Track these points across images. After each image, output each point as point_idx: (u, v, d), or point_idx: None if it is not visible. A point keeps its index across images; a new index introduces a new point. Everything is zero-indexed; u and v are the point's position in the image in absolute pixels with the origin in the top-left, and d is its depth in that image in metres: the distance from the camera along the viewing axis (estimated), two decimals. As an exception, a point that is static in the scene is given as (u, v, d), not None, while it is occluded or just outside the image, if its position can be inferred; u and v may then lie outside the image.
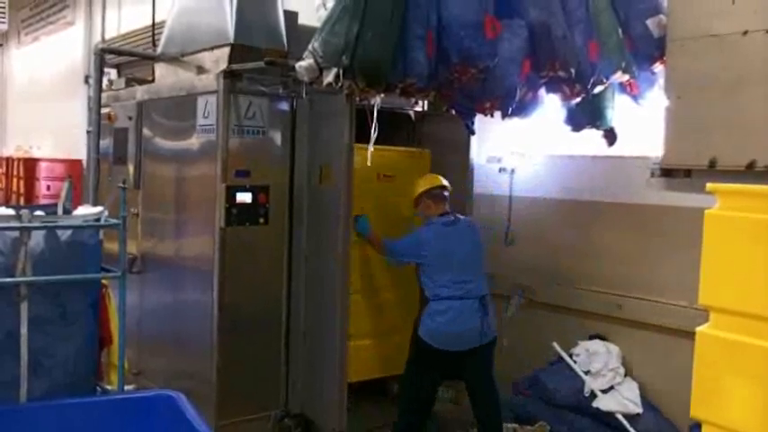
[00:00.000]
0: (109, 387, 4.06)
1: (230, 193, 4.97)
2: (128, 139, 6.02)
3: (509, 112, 4.89)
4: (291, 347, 5.28)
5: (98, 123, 6.06)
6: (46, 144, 13.06)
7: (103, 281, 4.01)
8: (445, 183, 5.41)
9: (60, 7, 12.78)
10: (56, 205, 4.04)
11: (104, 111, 6.21)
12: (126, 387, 4.13)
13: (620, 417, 5.19)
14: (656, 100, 5.20)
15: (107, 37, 10.87)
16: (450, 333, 5.00)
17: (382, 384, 6.07)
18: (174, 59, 5.91)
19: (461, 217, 5.40)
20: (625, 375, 5.43)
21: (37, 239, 3.60)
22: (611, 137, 5.48)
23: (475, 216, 6.09)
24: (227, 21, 5.33)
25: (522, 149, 6.30)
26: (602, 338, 5.63)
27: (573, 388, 5.44)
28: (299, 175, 5.24)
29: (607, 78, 4.93)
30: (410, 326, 5.35)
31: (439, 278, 5.06)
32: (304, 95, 5.14)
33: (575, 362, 5.55)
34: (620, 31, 4.97)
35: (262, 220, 5.12)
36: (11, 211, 3.70)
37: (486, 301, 5.11)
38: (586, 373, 5.44)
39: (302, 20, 5.70)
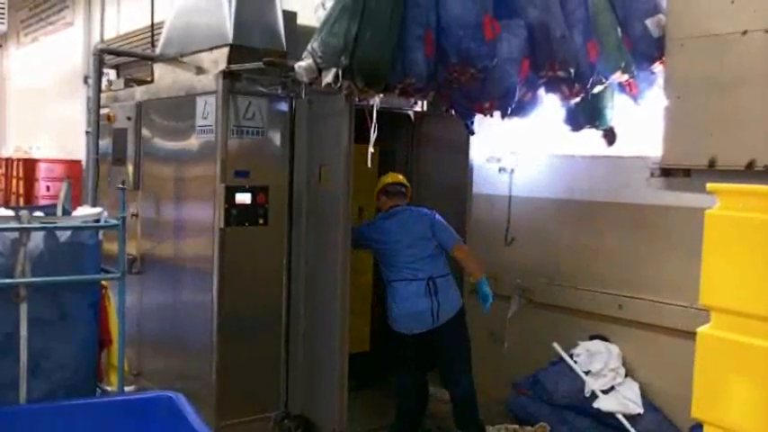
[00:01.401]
0: (109, 388, 4.07)
1: (229, 193, 4.97)
2: (127, 139, 6.02)
3: (508, 112, 4.89)
4: (291, 348, 5.27)
5: (97, 124, 6.05)
6: (45, 145, 13.05)
7: (103, 282, 4.01)
8: (401, 179, 5.69)
9: (59, 8, 12.78)
10: (55, 206, 4.04)
11: (103, 111, 6.20)
12: (126, 388, 4.13)
13: (620, 417, 5.19)
14: (655, 100, 5.21)
15: (106, 37, 10.87)
16: (405, 314, 5.27)
17: (382, 384, 6.08)
18: (172, 60, 5.90)
19: (413, 208, 5.61)
20: (626, 375, 5.42)
21: (36, 240, 3.60)
22: (610, 137, 5.49)
23: (474, 216, 6.10)
24: (226, 21, 5.32)
25: (521, 149, 6.30)
26: (603, 339, 5.62)
27: (573, 388, 5.44)
28: (299, 176, 5.23)
29: (606, 78, 4.94)
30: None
31: (389, 264, 5.37)
32: (303, 96, 5.14)
33: (575, 362, 5.54)
34: (619, 30, 4.98)
35: (261, 221, 5.11)
36: (10, 212, 3.70)
37: (437, 283, 5.28)
38: (587, 373, 5.44)
39: (301, 20, 5.69)
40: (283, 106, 5.27)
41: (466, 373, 5.37)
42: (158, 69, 6.19)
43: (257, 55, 5.03)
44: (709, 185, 2.72)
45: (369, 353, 6.39)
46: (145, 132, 5.90)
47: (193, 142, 5.30)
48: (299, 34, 5.36)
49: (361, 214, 6.09)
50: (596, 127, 5.40)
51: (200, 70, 5.53)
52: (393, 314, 5.33)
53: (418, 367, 5.46)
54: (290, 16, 5.61)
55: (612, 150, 5.56)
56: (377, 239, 5.45)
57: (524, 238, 6.28)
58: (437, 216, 5.49)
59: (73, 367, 3.75)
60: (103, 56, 6.40)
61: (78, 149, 9.89)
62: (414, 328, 5.28)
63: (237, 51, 5.22)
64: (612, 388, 5.34)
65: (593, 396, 5.33)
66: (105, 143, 6.25)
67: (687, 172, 4.96)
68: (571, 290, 5.88)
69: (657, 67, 5.15)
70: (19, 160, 12.43)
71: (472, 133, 5.65)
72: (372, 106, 4.80)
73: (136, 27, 9.15)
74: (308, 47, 4.31)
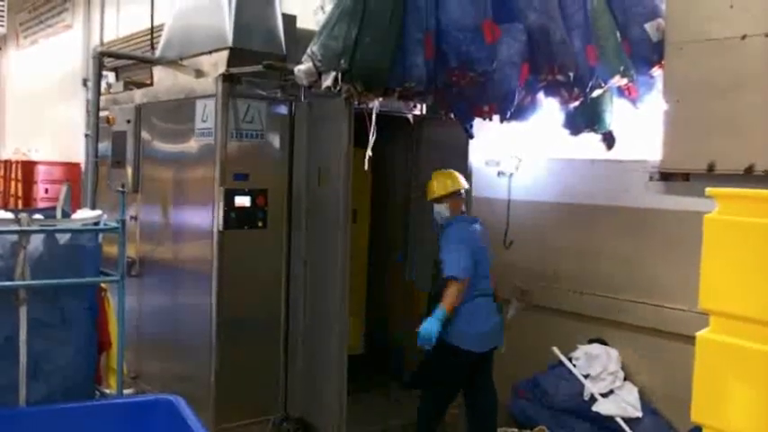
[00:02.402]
0: (108, 391, 4.06)
1: (229, 196, 4.97)
2: (126, 142, 6.02)
3: (507, 115, 4.88)
4: (290, 351, 5.27)
5: (96, 127, 6.07)
6: (44, 147, 13.06)
7: (102, 284, 4.01)
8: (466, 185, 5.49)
9: (59, 10, 12.79)
10: (54, 208, 4.04)
11: (103, 114, 6.21)
12: (125, 391, 4.12)
13: (619, 421, 5.18)
14: (654, 104, 5.21)
15: (105, 40, 10.89)
16: (482, 333, 5.10)
17: (383, 387, 6.08)
18: (172, 63, 5.91)
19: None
20: (624, 379, 5.42)
21: (36, 243, 3.60)
22: (609, 140, 5.49)
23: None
24: (226, 24, 5.33)
25: (520, 153, 6.30)
26: (602, 342, 5.62)
27: (573, 392, 5.44)
28: (298, 179, 5.24)
29: (605, 82, 4.94)
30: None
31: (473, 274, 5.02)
32: (303, 99, 5.14)
33: (574, 366, 5.54)
34: (618, 34, 4.99)
35: (260, 224, 5.12)
36: (9, 215, 3.70)
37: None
38: (586, 376, 5.44)
39: (301, 23, 5.70)
40: (283, 109, 5.28)
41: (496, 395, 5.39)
42: (158, 72, 6.20)
43: (257, 58, 5.04)
44: (708, 190, 2.73)
45: (363, 355, 6.39)
46: (144, 135, 5.91)
47: (193, 145, 5.30)
48: (298, 37, 5.38)
49: (355, 218, 6.08)
50: (595, 131, 5.41)
51: (199, 73, 5.55)
52: (468, 334, 5.02)
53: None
54: (289, 19, 5.63)
55: (612, 154, 5.56)
56: (473, 248, 5.08)
57: (523, 241, 6.28)
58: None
59: (72, 370, 3.75)
60: (103, 58, 6.43)
61: (77, 152, 9.93)
62: (484, 347, 5.15)
63: (237, 54, 5.23)
64: (612, 391, 5.34)
65: (593, 400, 5.33)
66: (104, 146, 6.26)
67: (686, 176, 4.96)
68: (570, 293, 5.88)
69: (656, 72, 5.15)
70: (18, 162, 12.43)
71: (471, 137, 5.66)
72: (372, 109, 4.80)
73: (135, 30, 9.17)
74: (308, 50, 4.31)
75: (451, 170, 5.40)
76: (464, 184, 5.37)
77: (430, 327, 4.82)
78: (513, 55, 4.53)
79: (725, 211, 2.67)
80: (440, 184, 5.30)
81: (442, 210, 5.27)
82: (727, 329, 2.61)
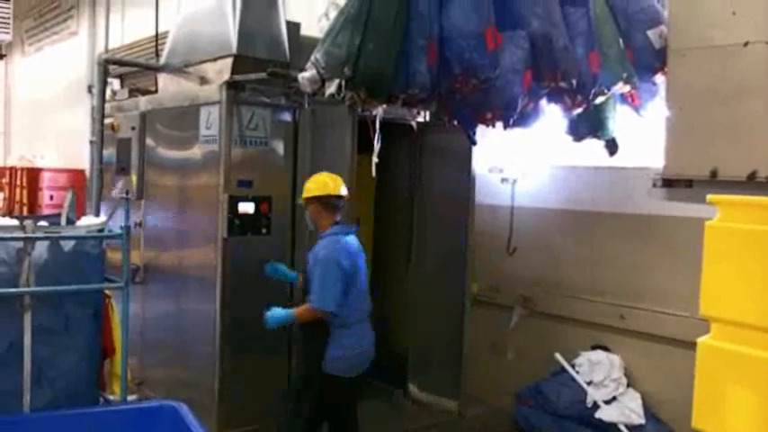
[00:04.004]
0: (111, 397, 4.08)
1: (233, 203, 4.99)
2: (131, 148, 6.04)
3: (510, 122, 4.89)
4: (294, 357, 5.27)
5: (101, 133, 6.08)
6: (49, 154, 13.07)
7: (106, 291, 4.02)
8: (344, 193, 4.63)
9: (64, 18, 12.82)
10: (59, 215, 4.06)
11: (107, 121, 6.23)
12: (128, 397, 4.13)
13: (622, 428, 5.18)
14: (657, 110, 5.22)
15: (110, 47, 10.90)
16: (356, 356, 4.51)
17: (384, 394, 6.08)
18: (176, 70, 5.93)
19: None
20: (627, 386, 5.42)
21: (40, 250, 3.63)
22: (612, 147, 5.49)
23: (477, 226, 6.10)
24: (230, 32, 5.35)
25: (523, 160, 6.31)
26: (605, 349, 5.62)
27: (576, 398, 5.44)
28: (302, 186, 5.24)
29: (608, 89, 4.95)
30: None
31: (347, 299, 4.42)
32: (306, 106, 5.16)
33: (577, 372, 5.54)
34: (621, 41, 4.99)
35: (264, 230, 5.13)
36: (14, 222, 3.72)
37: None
38: (589, 383, 5.44)
39: (304, 31, 5.72)
40: (287, 116, 5.30)
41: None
42: (162, 79, 6.22)
43: (261, 65, 5.05)
44: (709, 197, 2.74)
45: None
46: (149, 142, 5.93)
47: (197, 152, 5.32)
48: (302, 45, 5.39)
49: (358, 224, 6.09)
50: (598, 137, 5.41)
51: (203, 80, 5.56)
52: (341, 355, 4.43)
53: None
54: (293, 27, 5.64)
55: (614, 161, 5.57)
56: (346, 267, 4.41)
57: (526, 248, 6.28)
58: None
59: (76, 376, 3.77)
60: (108, 65, 6.44)
61: (82, 159, 9.94)
62: (358, 369, 4.56)
63: (241, 62, 5.25)
64: (614, 398, 5.34)
65: (596, 406, 5.32)
66: (109, 152, 6.28)
67: (689, 183, 4.97)
68: (573, 300, 5.88)
69: (659, 78, 5.16)
70: (23, 169, 12.44)
71: (474, 143, 5.66)
72: (375, 116, 4.81)
73: (140, 37, 9.17)
74: (312, 57, 4.32)
75: (336, 175, 4.65)
76: (343, 191, 4.57)
77: (279, 317, 4.43)
78: (516, 62, 4.54)
79: (726, 218, 2.68)
80: (317, 185, 4.57)
81: (311, 214, 4.58)
82: (727, 336, 2.62)
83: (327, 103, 4.74)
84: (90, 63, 11.32)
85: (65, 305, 3.72)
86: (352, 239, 4.56)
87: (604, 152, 5.54)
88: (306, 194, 4.56)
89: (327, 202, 4.51)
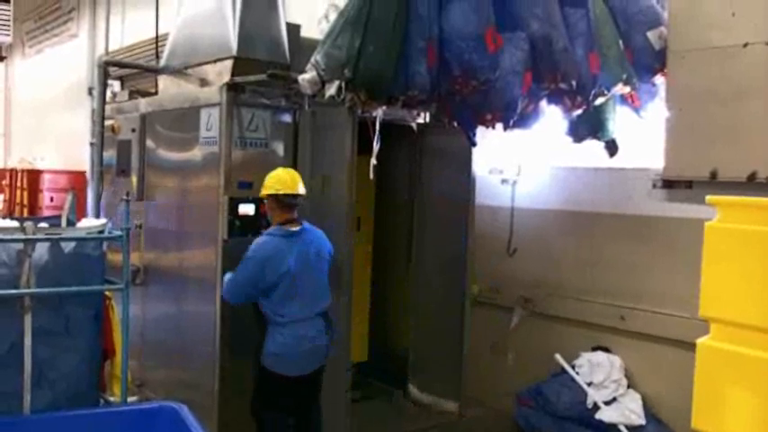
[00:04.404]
0: (112, 399, 4.07)
1: (233, 204, 5.00)
2: (131, 150, 6.05)
3: (510, 123, 4.90)
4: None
5: (101, 135, 6.09)
6: (49, 156, 13.09)
7: (107, 292, 4.02)
8: (302, 191, 4.65)
9: (64, 20, 12.84)
10: (59, 217, 4.06)
11: (108, 123, 6.24)
12: (129, 398, 4.13)
13: (622, 429, 5.18)
14: (657, 112, 5.22)
15: (110, 49, 10.92)
16: (298, 355, 4.55)
17: (385, 395, 6.08)
18: (177, 72, 5.93)
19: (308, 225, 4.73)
20: (628, 387, 5.42)
21: (41, 251, 3.63)
22: (612, 148, 5.49)
23: (477, 227, 6.10)
24: (230, 34, 5.36)
25: (523, 161, 6.32)
26: (605, 350, 5.63)
27: (576, 400, 5.44)
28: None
29: (608, 90, 4.95)
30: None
31: (286, 295, 4.50)
32: (306, 108, 5.16)
33: (577, 373, 5.55)
34: (620, 43, 5.00)
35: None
36: (15, 223, 3.72)
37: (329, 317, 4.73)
38: (589, 384, 5.44)
39: (304, 33, 5.73)
40: (287, 118, 5.30)
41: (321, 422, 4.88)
42: (162, 81, 6.23)
43: (261, 67, 5.06)
44: (708, 198, 2.74)
45: (365, 363, 6.40)
46: (149, 144, 5.93)
47: (197, 154, 5.32)
48: (302, 47, 5.40)
49: (358, 225, 6.10)
50: (598, 139, 5.41)
51: (204, 82, 5.57)
52: (280, 353, 4.52)
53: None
54: (293, 29, 5.65)
55: (614, 162, 5.57)
56: (277, 268, 4.46)
57: (527, 249, 6.29)
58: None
59: (76, 377, 3.77)
60: (108, 67, 6.45)
61: (82, 160, 9.94)
62: (302, 369, 4.61)
63: (241, 63, 5.26)
64: (615, 399, 5.35)
65: (596, 407, 5.33)
66: (109, 154, 6.29)
67: (689, 184, 4.97)
68: (573, 301, 5.88)
69: (659, 80, 5.17)
70: (23, 171, 12.46)
71: (474, 145, 5.66)
72: (375, 118, 4.82)
73: (140, 39, 9.19)
74: (312, 59, 4.33)
75: (295, 171, 4.74)
76: (300, 190, 4.60)
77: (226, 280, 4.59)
78: (516, 63, 4.55)
79: (725, 218, 2.68)
80: (272, 182, 4.60)
81: (267, 209, 4.66)
82: (727, 337, 2.62)
83: (327, 105, 4.75)
84: (90, 65, 11.33)
85: (65, 307, 3.72)
86: (295, 239, 4.55)
87: (604, 153, 5.54)
88: (262, 192, 4.65)
89: (281, 200, 4.58)
